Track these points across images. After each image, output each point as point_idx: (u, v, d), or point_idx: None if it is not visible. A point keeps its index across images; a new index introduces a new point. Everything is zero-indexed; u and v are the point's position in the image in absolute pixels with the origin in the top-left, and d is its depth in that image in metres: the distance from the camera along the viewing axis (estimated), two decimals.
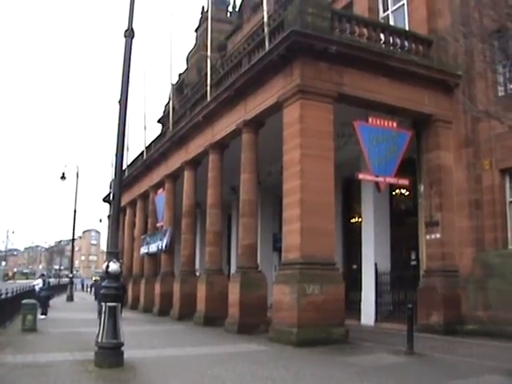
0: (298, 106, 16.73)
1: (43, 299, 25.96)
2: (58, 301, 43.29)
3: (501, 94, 17.10)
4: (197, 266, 32.65)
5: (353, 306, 21.28)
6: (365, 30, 18.22)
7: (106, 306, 11.75)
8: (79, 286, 77.53)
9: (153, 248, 31.82)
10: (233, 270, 29.53)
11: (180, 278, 26.89)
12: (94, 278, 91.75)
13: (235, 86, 20.41)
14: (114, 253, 12.61)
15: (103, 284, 12.60)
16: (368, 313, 21.19)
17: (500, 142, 17.19)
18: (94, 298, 42.72)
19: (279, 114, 17.73)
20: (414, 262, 21.09)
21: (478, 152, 18.23)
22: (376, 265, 21.34)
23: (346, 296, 16.73)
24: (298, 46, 16.62)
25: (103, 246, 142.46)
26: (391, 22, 22.59)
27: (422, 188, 19.58)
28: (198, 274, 28.94)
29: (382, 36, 18.62)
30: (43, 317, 24.35)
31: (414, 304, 15.94)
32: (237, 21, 44.54)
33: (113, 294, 11.88)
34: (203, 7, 54.70)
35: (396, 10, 22.85)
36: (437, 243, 18.61)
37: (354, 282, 22.20)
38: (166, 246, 29.51)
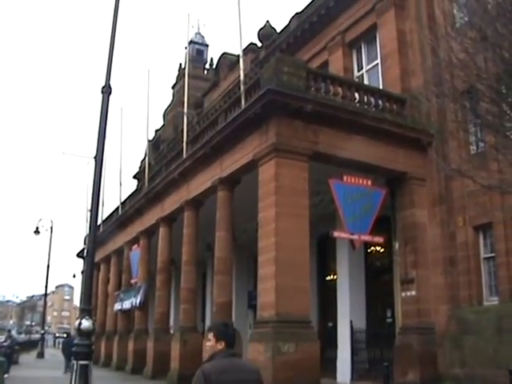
0: (274, 165, 16.80)
1: (7, 356, 25.25)
2: (28, 358, 42.39)
3: (473, 152, 17.39)
4: (171, 323, 32.25)
5: (328, 364, 20.99)
6: (339, 89, 18.42)
7: (77, 364, 11.51)
8: (51, 343, 76.02)
9: (126, 305, 31.38)
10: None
11: (154, 335, 26.56)
12: (57, 335, 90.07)
13: (211, 144, 20.51)
14: (86, 310, 12.43)
15: (75, 341, 12.39)
16: (344, 371, 20.92)
17: (473, 200, 17.34)
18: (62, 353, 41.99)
19: (255, 172, 17.81)
20: (389, 320, 20.98)
21: (451, 209, 18.36)
22: (351, 322, 21.18)
23: (321, 354, 16.57)
24: (273, 105, 16.78)
25: (76, 302, 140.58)
26: (366, 81, 22.99)
27: (396, 245, 19.59)
28: (172, 331, 28.58)
29: (356, 95, 18.82)
30: (6, 375, 23.57)
31: (390, 362, 15.81)
32: (213, 78, 45.02)
33: (85, 351, 11.66)
34: (180, 64, 55.41)
35: (370, 69, 23.30)
36: (412, 300, 18.55)
37: (329, 339, 21.96)
38: (139, 302, 29.16)
